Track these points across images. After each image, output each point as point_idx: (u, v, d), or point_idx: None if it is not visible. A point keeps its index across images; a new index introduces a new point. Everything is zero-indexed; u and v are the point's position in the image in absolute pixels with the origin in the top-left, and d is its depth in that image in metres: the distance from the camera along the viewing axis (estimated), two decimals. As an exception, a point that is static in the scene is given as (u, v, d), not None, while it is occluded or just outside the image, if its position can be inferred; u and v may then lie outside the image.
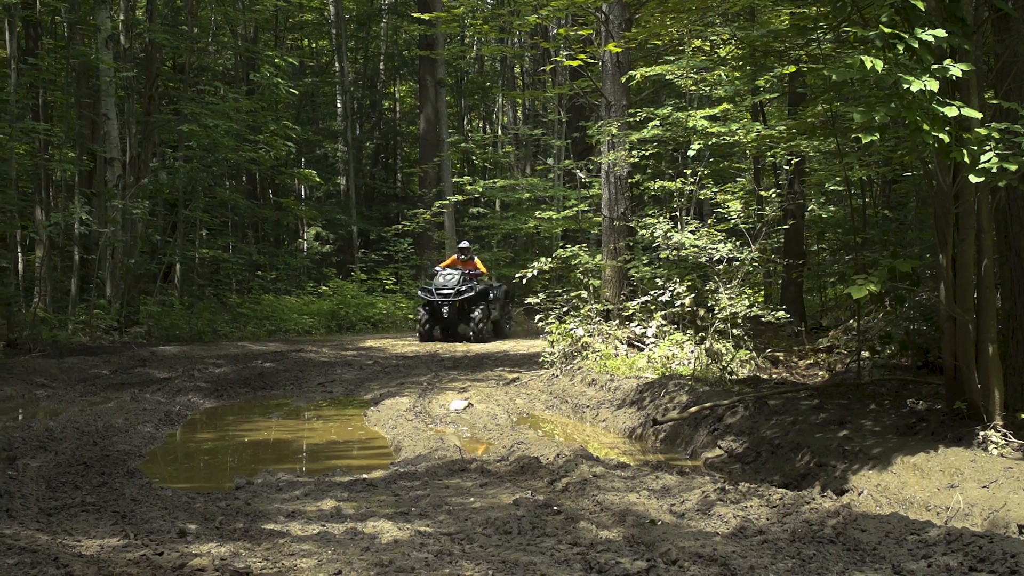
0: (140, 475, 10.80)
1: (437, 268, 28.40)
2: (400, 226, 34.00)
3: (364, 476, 10.70)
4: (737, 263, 17.22)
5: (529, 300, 20.81)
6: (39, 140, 27.51)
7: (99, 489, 9.74)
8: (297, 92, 34.06)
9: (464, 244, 28.96)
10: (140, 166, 28.52)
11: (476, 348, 25.02)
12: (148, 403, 16.24)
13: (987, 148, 8.88)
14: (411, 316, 32.10)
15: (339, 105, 44.24)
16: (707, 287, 17.58)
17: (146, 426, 14.45)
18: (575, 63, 20.83)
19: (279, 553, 7.14)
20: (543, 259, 19.71)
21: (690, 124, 17.80)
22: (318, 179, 36.70)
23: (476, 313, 26.77)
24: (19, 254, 27.13)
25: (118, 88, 27.54)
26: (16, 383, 18.31)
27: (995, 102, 10.14)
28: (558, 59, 21.65)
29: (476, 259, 28.62)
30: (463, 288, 26.86)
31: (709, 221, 19.70)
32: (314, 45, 47.62)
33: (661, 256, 18.40)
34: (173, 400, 16.80)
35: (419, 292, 28.18)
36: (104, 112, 26.52)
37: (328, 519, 8.41)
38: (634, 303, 19.07)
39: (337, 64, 43.57)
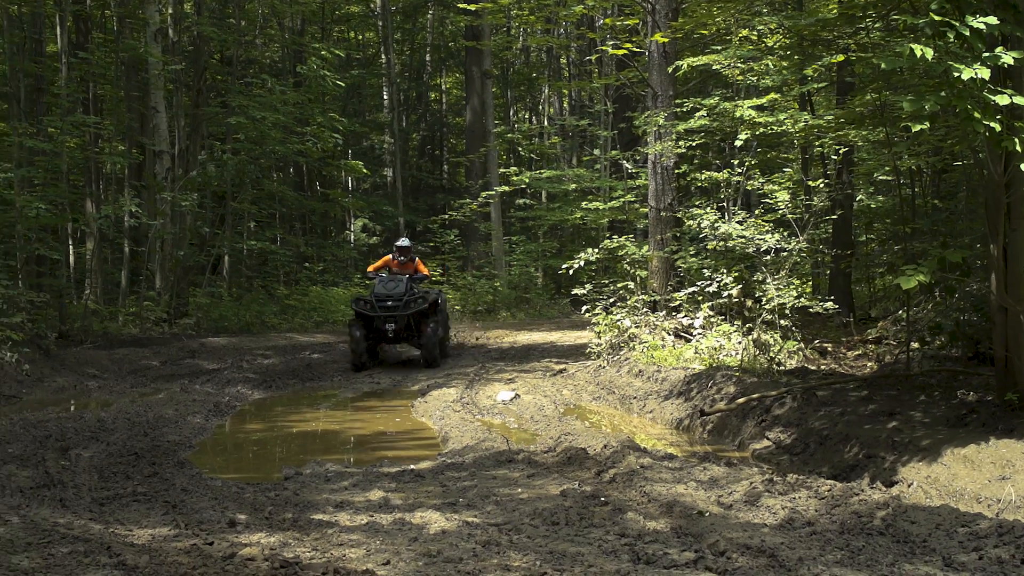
0: (190, 465, 10.90)
1: (370, 272, 22.51)
2: (446, 216, 34.01)
3: (412, 467, 10.73)
4: (785, 253, 17.13)
5: (576, 291, 20.78)
6: (89, 133, 27.77)
7: (150, 479, 9.84)
8: (344, 84, 34.18)
9: (404, 242, 22.38)
10: (189, 159, 28.74)
11: (523, 339, 24.93)
12: (197, 394, 16.39)
13: (1039, 136, 8.80)
14: (458, 308, 32.07)
15: (385, 97, 44.34)
16: (754, 278, 17.50)
17: (196, 417, 14.57)
18: (621, 52, 20.77)
19: (328, 543, 7.18)
20: (589, 250, 19.67)
21: (737, 114, 17.70)
22: (365, 171, 36.80)
23: (429, 330, 20.44)
24: (70, 247, 27.40)
25: (167, 81, 27.74)
26: (68, 374, 18.51)
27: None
28: (604, 49, 21.58)
29: (419, 259, 22.60)
30: (412, 299, 20.70)
31: (756, 211, 19.61)
32: (360, 37, 47.73)
33: (708, 247, 18.34)
34: (222, 391, 16.94)
35: (352, 305, 21.47)
36: (153, 105, 26.72)
37: (376, 509, 8.44)
38: (681, 294, 19.01)
39: (383, 56, 43.66)
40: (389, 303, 20.41)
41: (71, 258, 27.33)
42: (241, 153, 29.48)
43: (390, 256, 22.41)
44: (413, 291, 20.89)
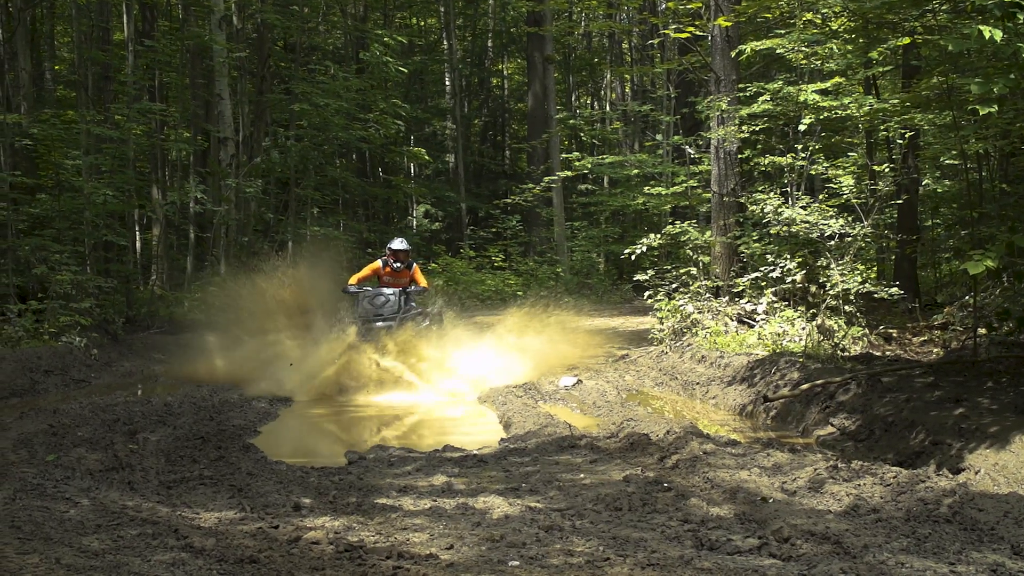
0: (255, 449, 11.00)
1: (351, 287, 17.97)
2: (508, 200, 34.03)
3: (474, 452, 10.77)
4: (849, 239, 17.00)
5: (638, 277, 20.74)
6: (155, 121, 28.07)
7: (216, 463, 9.94)
8: (406, 71, 34.29)
9: (399, 244, 18.26)
10: (253, 145, 28.95)
11: (585, 324, 24.84)
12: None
13: (1110, 120, 8.67)
14: (519, 293, 32.08)
15: (447, 83, 44.43)
16: (818, 263, 17.38)
17: (260, 402, 14.71)
18: (684, 35, 20.65)
19: (391, 527, 7.23)
20: (652, 235, 19.62)
21: (801, 98, 17.58)
22: (427, 157, 36.93)
23: None
24: (137, 233, 27.73)
25: (231, 68, 27.95)
26: (135, 359, 18.76)
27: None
28: (666, 33, 21.48)
29: (416, 266, 18.50)
30: (409, 316, 17.64)
31: (820, 196, 19.47)
32: (423, 23, 47.81)
33: (771, 232, 18.23)
34: (287, 376, 17.06)
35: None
36: (218, 92, 26.94)
37: (439, 494, 8.48)
38: (744, 279, 18.92)
39: (445, 42, 43.73)
40: (379, 323, 17.30)
41: (138, 244, 27.66)
42: (304, 140, 29.67)
43: (379, 263, 18.15)
44: (410, 307, 17.75)
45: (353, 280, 18.10)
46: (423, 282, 18.51)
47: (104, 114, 26.08)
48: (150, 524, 7.16)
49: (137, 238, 27.69)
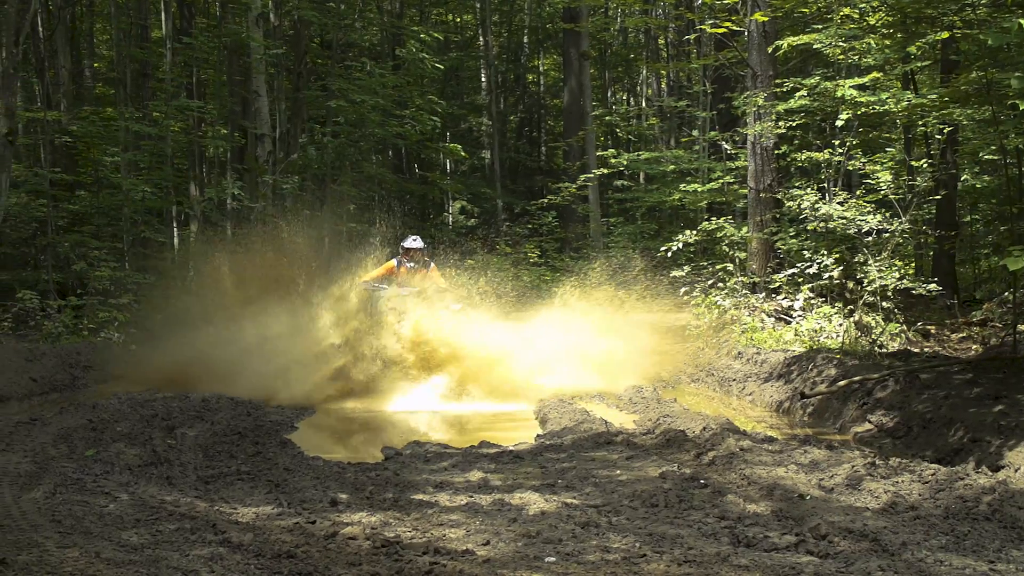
0: (292, 445, 11.04)
1: (364, 283, 16.89)
2: (545, 200, 33.97)
3: (510, 448, 10.78)
4: (887, 235, 16.92)
5: (674, 273, 20.71)
6: (193, 118, 28.21)
7: (253, 458, 9.99)
8: (442, 67, 34.31)
9: (414, 241, 17.02)
10: (289, 142, 29.05)
11: (622, 318, 24.73)
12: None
13: None
14: (556, 288, 32.04)
15: (483, 79, 44.42)
16: (856, 259, 17.31)
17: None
18: (720, 31, 20.60)
19: (428, 523, 7.24)
20: (688, 232, 19.59)
21: (838, 94, 17.50)
22: (463, 153, 36.95)
23: None
24: (175, 229, 27.88)
25: (268, 65, 28.06)
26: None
27: None
28: (703, 28, 21.41)
29: (435, 266, 17.25)
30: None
31: (858, 192, 19.39)
32: (459, 20, 47.83)
33: (808, 228, 18.16)
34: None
35: None
36: (255, 89, 27.05)
37: (475, 490, 8.49)
38: (781, 276, 18.86)
39: (481, 38, 43.72)
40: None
41: (175, 240, 27.81)
42: (341, 136, 29.75)
43: (394, 263, 16.90)
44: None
45: (367, 278, 16.85)
46: (442, 282, 16.98)
47: (142, 111, 26.27)
48: (188, 519, 7.21)
49: (175, 234, 27.84)
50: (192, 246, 25.71)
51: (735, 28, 21.07)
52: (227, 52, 29.96)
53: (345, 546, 6.55)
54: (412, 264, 16.74)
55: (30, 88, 27.52)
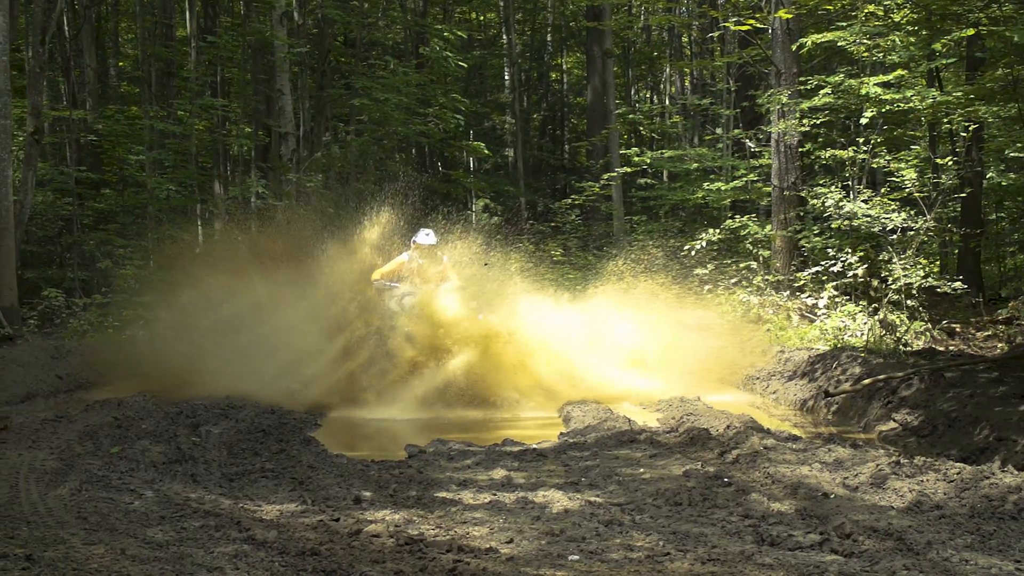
0: (315, 443, 11.06)
1: (378, 281, 16.10)
2: (570, 200, 33.94)
3: (534, 446, 10.78)
4: (912, 233, 16.87)
5: (698, 271, 20.67)
6: (217, 116, 28.31)
7: (277, 456, 10.01)
8: (465, 65, 34.30)
9: (428, 237, 16.01)
10: (313, 140, 29.12)
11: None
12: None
13: None
14: (579, 287, 32.02)
15: (507, 77, 44.42)
16: (880, 257, 17.25)
17: (323, 394, 14.80)
18: (744, 28, 20.55)
19: (451, 521, 7.25)
20: (712, 230, 19.56)
21: (863, 91, 17.46)
22: (486, 151, 36.95)
23: None
24: (199, 227, 27.97)
25: (292, 64, 28.13)
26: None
27: None
28: (727, 25, 21.35)
29: (447, 260, 16.34)
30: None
31: (882, 190, 19.31)
32: (482, 18, 47.84)
33: (832, 226, 18.12)
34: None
35: None
36: (279, 87, 27.13)
37: (499, 488, 8.50)
38: (805, 274, 18.81)
39: (505, 36, 43.72)
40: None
41: (200, 238, 27.89)
42: (364, 134, 29.78)
43: (404, 258, 16.02)
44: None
45: (377, 275, 15.99)
46: (456, 280, 16.04)
47: (167, 110, 26.38)
48: (213, 516, 7.23)
49: (199, 232, 27.93)
50: (215, 244, 25.81)
51: (759, 26, 21.02)
52: (251, 51, 30.04)
53: (369, 544, 6.56)
54: (423, 260, 15.81)
55: (56, 87, 27.65)
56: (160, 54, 27.79)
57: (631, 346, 16.07)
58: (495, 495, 8.14)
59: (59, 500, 7.53)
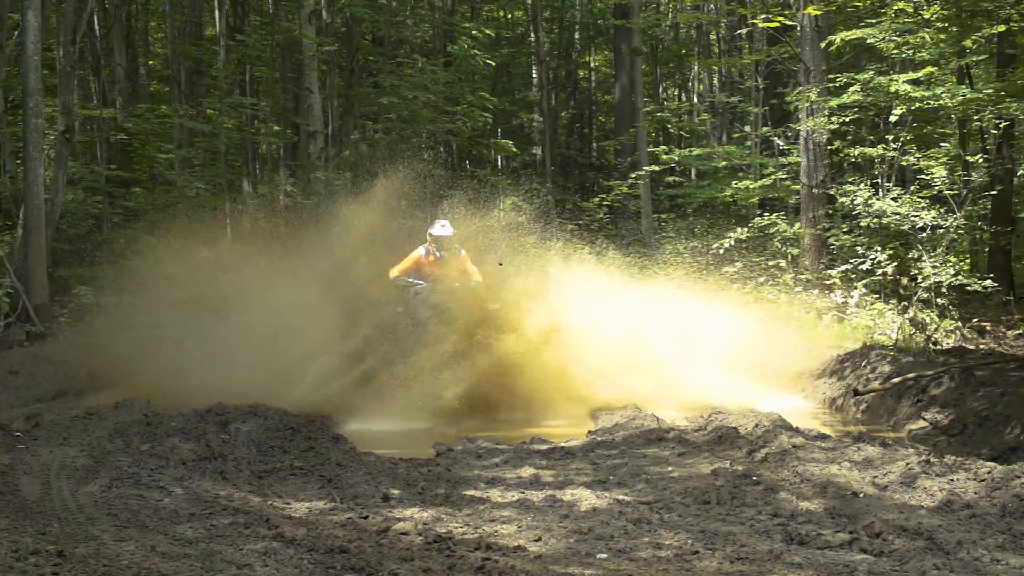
0: (344, 440, 11.08)
1: (398, 278, 15.14)
2: (598, 198, 33.93)
3: (562, 444, 10.78)
4: (941, 230, 16.78)
5: (726, 269, 20.62)
6: (246, 114, 28.38)
7: (306, 454, 10.04)
8: (493, 63, 34.31)
9: (442, 227, 15.36)
10: (341, 138, 29.16)
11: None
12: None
13: None
14: (616, 284, 31.92)
15: (535, 75, 44.41)
16: (910, 255, 17.18)
17: (351, 392, 14.80)
18: (773, 24, 20.48)
19: (480, 519, 7.26)
20: (740, 228, 19.51)
21: (892, 89, 17.40)
22: (514, 149, 36.95)
23: None
24: (228, 225, 28.06)
25: (320, 62, 28.18)
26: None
27: None
28: (755, 22, 21.28)
29: (465, 253, 15.49)
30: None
31: (912, 188, 19.24)
32: (510, 16, 47.83)
33: (861, 224, 18.05)
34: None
35: None
36: (307, 86, 27.17)
37: (527, 486, 8.51)
38: (834, 272, 18.74)
39: (532, 35, 43.69)
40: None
41: (229, 236, 27.98)
42: (392, 132, 29.82)
43: (420, 252, 15.26)
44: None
45: (395, 272, 15.14)
46: (477, 275, 15.15)
47: (196, 108, 26.46)
48: (242, 513, 7.27)
49: (229, 230, 28.02)
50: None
51: (788, 23, 20.95)
52: (280, 49, 30.11)
53: (397, 541, 6.58)
54: (441, 253, 15.06)
55: (87, 86, 27.77)
56: (189, 53, 27.88)
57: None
58: (523, 493, 8.15)
59: (90, 497, 7.58)
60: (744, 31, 28.03)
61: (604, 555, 6.33)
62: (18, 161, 22.83)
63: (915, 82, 17.82)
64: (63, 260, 22.73)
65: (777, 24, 20.34)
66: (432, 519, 7.17)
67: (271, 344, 14.31)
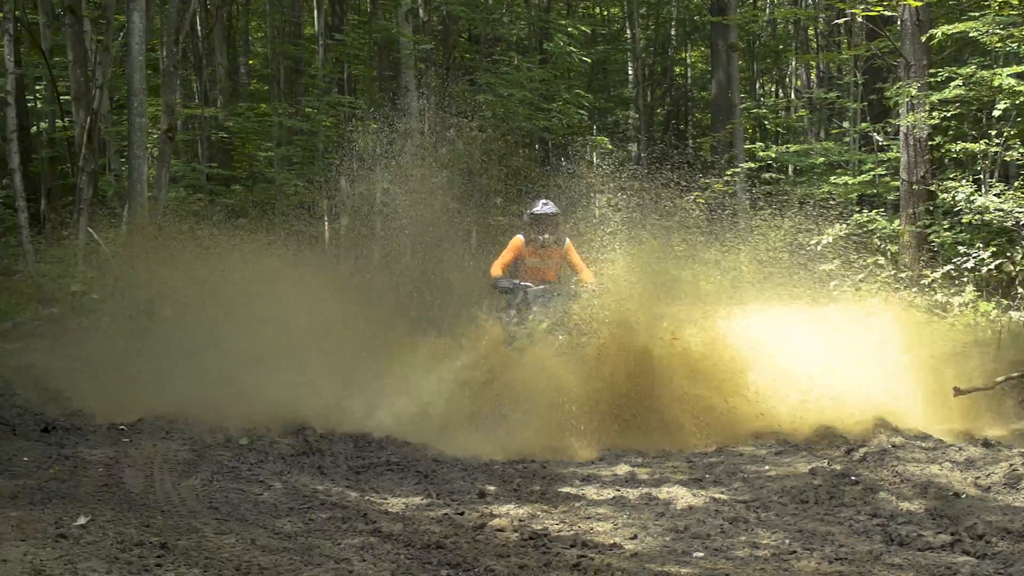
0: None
1: (500, 279, 12.81)
2: (693, 195, 33.77)
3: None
4: (1048, 227, 16.48)
5: (823, 267, 20.39)
6: (344, 113, 28.63)
7: (402, 449, 10.11)
8: (589, 60, 34.29)
9: (544, 205, 13.41)
10: (437, 136, 29.31)
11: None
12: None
13: None
14: (702, 280, 31.72)
15: (630, 72, 44.27)
16: (1015, 252, 16.87)
17: (445, 387, 14.85)
18: (873, 13, 20.17)
19: (575, 516, 7.27)
20: (837, 225, 19.29)
21: (995, 83, 17.08)
22: (610, 146, 36.86)
23: None
24: (325, 223, 28.33)
25: (417, 60, 28.35)
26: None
27: None
28: (854, 11, 20.98)
29: (570, 241, 13.37)
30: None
31: (1016, 183, 18.87)
32: (605, 13, 47.74)
33: (963, 221, 17.75)
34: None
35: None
36: (404, 84, 27.36)
37: (623, 484, 8.50)
38: (936, 272, 18.46)
39: (628, 31, 43.59)
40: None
41: (326, 234, 28.24)
42: (488, 130, 29.90)
43: (520, 239, 13.07)
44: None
45: (497, 269, 12.85)
46: (587, 274, 12.91)
47: (295, 107, 26.76)
48: (340, 508, 7.35)
49: (326, 229, 28.29)
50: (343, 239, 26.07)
51: (888, 14, 20.63)
52: (377, 48, 30.34)
53: (493, 538, 6.61)
54: (544, 237, 12.82)
55: (189, 85, 28.22)
56: (289, 52, 28.22)
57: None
58: (619, 491, 8.14)
59: (191, 490, 7.70)
60: (842, 21, 27.64)
61: (700, 554, 6.31)
62: (123, 159, 23.29)
63: (1020, 76, 17.48)
64: (165, 257, 23.11)
65: (876, 13, 20.04)
66: (528, 516, 7.20)
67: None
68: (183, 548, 5.93)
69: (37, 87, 28.64)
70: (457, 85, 30.58)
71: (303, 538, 6.50)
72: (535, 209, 13.11)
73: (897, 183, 21.95)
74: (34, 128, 27.81)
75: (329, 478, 8.63)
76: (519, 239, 13.04)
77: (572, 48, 30.87)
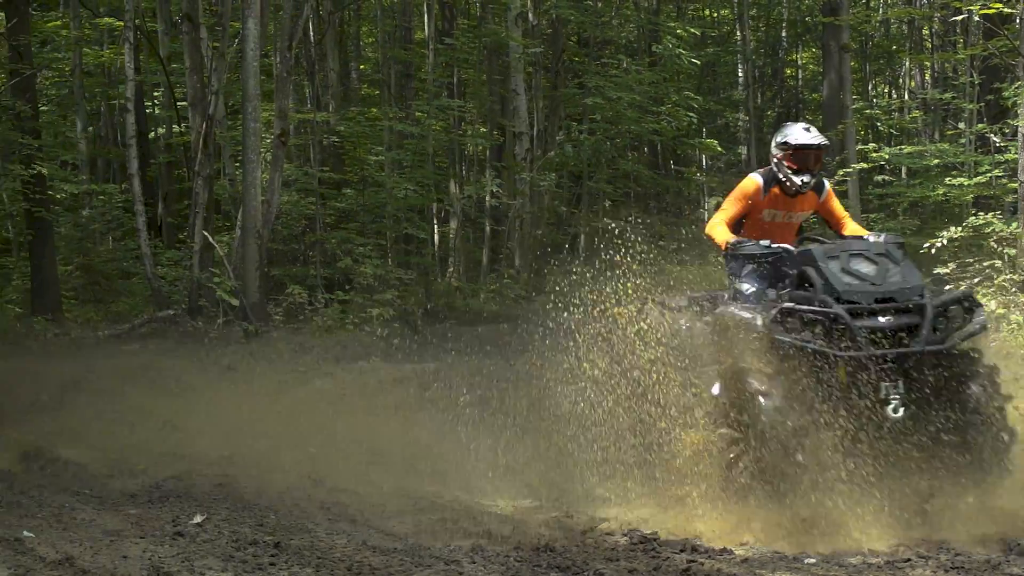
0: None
1: (746, 241, 8.33)
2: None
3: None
4: None
5: (938, 270, 20.07)
6: (453, 117, 28.84)
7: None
8: (698, 62, 34.10)
9: (806, 134, 8.81)
10: (546, 139, 29.39)
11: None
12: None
13: None
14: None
15: (740, 74, 43.96)
16: None
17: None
18: (991, 11, 19.80)
19: (685, 520, 7.24)
20: (953, 228, 18.98)
21: (1119, 82, 16.70)
22: (719, 149, 36.65)
23: (975, 395, 8.36)
24: (435, 226, 28.55)
25: (526, 64, 28.44)
26: (433, 349, 19.26)
27: None
28: (971, 8, 20.59)
29: (830, 188, 9.12)
30: (944, 310, 7.85)
31: None
32: (715, 15, 47.47)
33: (1085, 223, 17.39)
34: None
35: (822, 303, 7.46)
36: (513, 88, 27.47)
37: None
38: (1056, 274, 18.10)
39: (738, 33, 43.30)
40: (885, 318, 7.52)
41: (436, 237, 28.47)
42: (597, 133, 29.88)
43: (756, 180, 9.10)
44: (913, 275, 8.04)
45: (721, 228, 8.80)
46: (856, 227, 9.17)
47: (405, 111, 27.01)
48: (449, 510, 7.39)
49: (435, 231, 28.51)
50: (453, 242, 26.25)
51: (1006, 10, 20.23)
52: (487, 52, 30.48)
53: (603, 541, 6.62)
54: (803, 181, 8.74)
55: (301, 91, 28.60)
56: (399, 57, 28.47)
57: None
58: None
59: (303, 491, 7.81)
60: (959, 19, 27.15)
61: (812, 560, 6.25)
62: (237, 164, 23.68)
63: None
64: (278, 260, 23.45)
65: (995, 11, 19.68)
66: (637, 519, 7.18)
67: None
68: (296, 548, 6.02)
69: (155, 93, 29.24)
70: (566, 88, 30.64)
71: (413, 539, 6.56)
72: (795, 138, 8.89)
73: (1015, 185, 21.54)
74: (152, 134, 28.40)
75: (438, 480, 8.67)
76: (755, 181, 9.06)
77: (681, 50, 30.72)
